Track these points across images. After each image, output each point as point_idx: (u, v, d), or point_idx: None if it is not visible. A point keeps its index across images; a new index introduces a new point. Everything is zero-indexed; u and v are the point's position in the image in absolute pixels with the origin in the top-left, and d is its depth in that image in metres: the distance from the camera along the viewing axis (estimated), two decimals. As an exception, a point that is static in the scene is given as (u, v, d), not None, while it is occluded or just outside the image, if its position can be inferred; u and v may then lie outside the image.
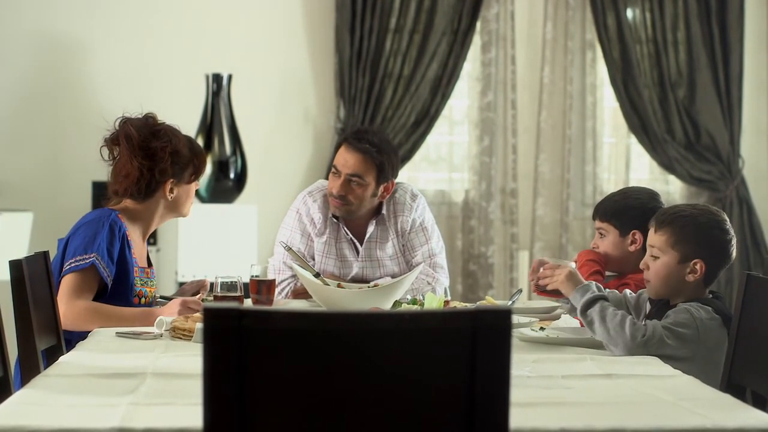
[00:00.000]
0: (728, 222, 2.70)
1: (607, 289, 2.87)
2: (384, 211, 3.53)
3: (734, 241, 2.70)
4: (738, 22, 5.54)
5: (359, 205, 3.45)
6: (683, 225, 2.66)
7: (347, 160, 3.41)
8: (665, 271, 2.67)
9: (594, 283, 2.65)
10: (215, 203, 5.14)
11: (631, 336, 2.50)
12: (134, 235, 3.07)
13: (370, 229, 3.52)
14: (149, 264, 3.18)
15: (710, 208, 2.73)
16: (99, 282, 2.93)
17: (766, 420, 1.84)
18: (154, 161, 3.02)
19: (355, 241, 3.52)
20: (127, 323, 2.88)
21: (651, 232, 2.72)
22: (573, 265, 2.79)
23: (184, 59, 5.42)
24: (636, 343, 2.49)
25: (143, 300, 3.06)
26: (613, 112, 5.70)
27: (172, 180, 3.06)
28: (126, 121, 3.05)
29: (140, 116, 3.07)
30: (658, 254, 2.68)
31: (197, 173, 3.13)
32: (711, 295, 2.69)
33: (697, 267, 2.64)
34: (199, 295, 3.18)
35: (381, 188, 3.46)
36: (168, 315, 2.86)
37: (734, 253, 2.70)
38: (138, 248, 3.08)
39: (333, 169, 3.45)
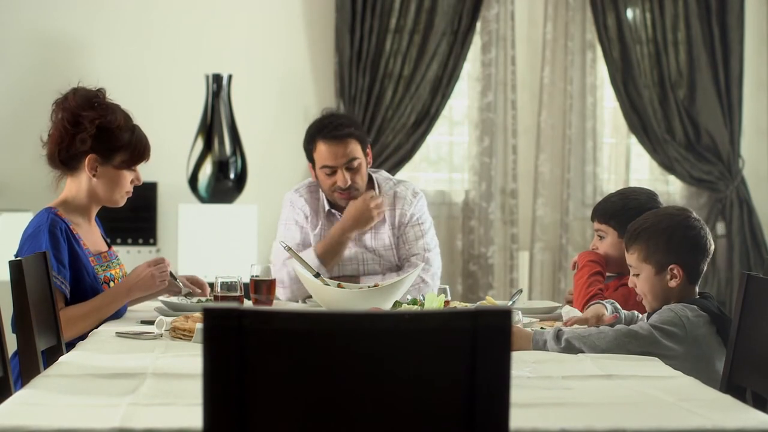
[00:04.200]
0: (693, 216, 2.73)
1: (607, 301, 2.89)
2: None
3: (705, 232, 2.72)
4: (738, 23, 5.55)
5: (363, 183, 3.56)
6: (647, 238, 2.71)
7: (336, 152, 3.49)
8: (648, 285, 2.73)
9: (538, 330, 2.65)
10: (215, 203, 5.14)
11: (615, 331, 2.54)
12: (81, 225, 3.04)
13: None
14: (109, 245, 3.17)
15: (672, 211, 2.76)
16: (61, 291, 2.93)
17: (766, 421, 1.84)
18: (78, 128, 2.96)
19: None
20: (103, 309, 2.93)
21: (625, 252, 2.78)
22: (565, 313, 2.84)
23: (184, 59, 5.42)
24: (624, 332, 2.53)
25: (112, 284, 3.05)
26: (613, 112, 5.70)
27: (94, 156, 2.98)
28: (74, 89, 3.02)
29: (93, 88, 3.03)
30: (637, 272, 2.75)
31: (130, 162, 3.03)
32: (699, 296, 2.71)
33: (675, 272, 2.68)
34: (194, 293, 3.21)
35: (368, 156, 3.59)
36: (135, 280, 2.96)
37: (710, 243, 2.72)
38: (88, 235, 3.06)
39: (326, 170, 3.49)
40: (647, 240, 2.70)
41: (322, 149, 3.50)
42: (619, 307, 2.84)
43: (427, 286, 3.51)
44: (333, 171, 3.49)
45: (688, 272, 2.69)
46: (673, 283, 2.68)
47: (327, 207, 3.59)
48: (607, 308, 2.80)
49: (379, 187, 3.62)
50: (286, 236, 3.58)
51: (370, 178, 3.63)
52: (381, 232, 3.60)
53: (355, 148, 3.50)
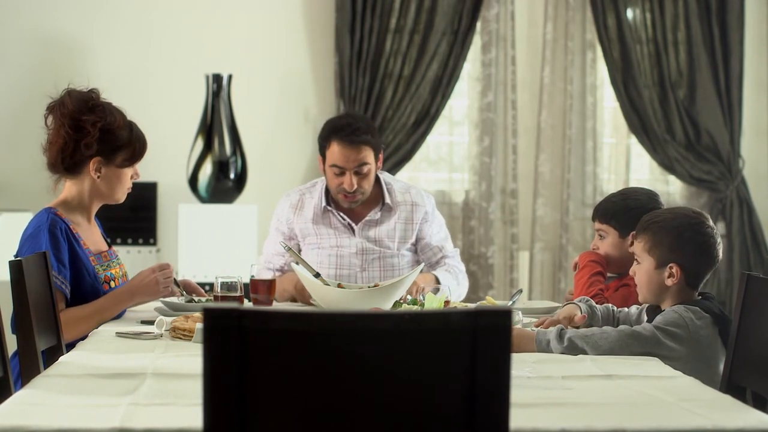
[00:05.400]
0: (708, 223, 2.72)
1: (581, 300, 2.89)
2: (389, 201, 3.63)
3: (715, 241, 2.71)
4: (738, 23, 5.55)
5: (370, 188, 3.58)
6: (656, 231, 2.71)
7: (349, 156, 3.51)
8: (645, 277, 2.72)
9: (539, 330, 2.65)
10: (215, 203, 5.14)
11: (618, 331, 2.54)
12: (81, 224, 3.04)
13: (376, 216, 3.62)
14: (109, 245, 3.17)
15: (688, 212, 2.75)
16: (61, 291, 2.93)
17: (766, 421, 1.84)
18: (81, 133, 2.97)
19: (352, 224, 3.62)
20: (105, 312, 2.94)
21: (634, 240, 2.79)
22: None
23: (184, 59, 5.42)
24: (627, 333, 2.53)
25: (113, 283, 3.05)
26: (613, 112, 5.70)
27: (99, 158, 3.00)
28: (68, 92, 3.02)
29: (85, 89, 3.04)
30: (639, 261, 2.74)
31: (132, 159, 3.05)
32: (700, 297, 2.71)
33: (674, 271, 2.67)
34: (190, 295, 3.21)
35: (379, 162, 3.61)
36: (140, 284, 2.97)
37: (718, 253, 2.71)
38: (88, 235, 3.06)
39: (335, 169, 3.51)
40: (656, 233, 2.70)
41: (335, 149, 3.53)
42: (594, 304, 2.83)
43: (462, 273, 3.68)
44: (342, 172, 3.53)
45: (686, 275, 2.68)
46: (669, 282, 2.68)
47: (324, 204, 3.60)
48: (580, 308, 2.79)
49: (387, 189, 3.65)
50: (270, 246, 3.66)
51: (378, 180, 3.66)
52: (384, 225, 3.62)
53: (368, 155, 3.53)
